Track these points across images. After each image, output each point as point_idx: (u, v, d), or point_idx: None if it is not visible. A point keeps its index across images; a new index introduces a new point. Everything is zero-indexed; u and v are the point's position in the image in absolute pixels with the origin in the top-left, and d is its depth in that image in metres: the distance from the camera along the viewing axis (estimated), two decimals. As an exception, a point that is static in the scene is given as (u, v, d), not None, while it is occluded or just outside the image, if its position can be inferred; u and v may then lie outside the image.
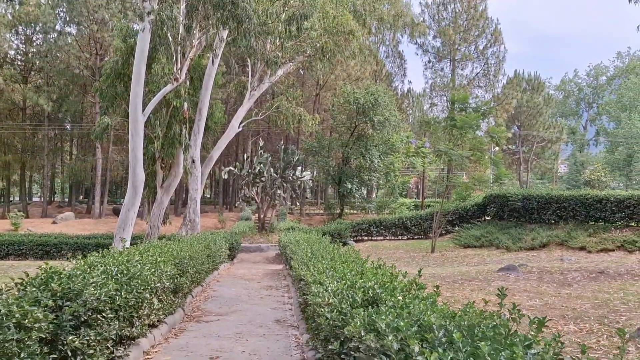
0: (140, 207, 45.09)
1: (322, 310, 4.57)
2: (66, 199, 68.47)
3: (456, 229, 26.50)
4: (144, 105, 17.54)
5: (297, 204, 35.85)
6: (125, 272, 5.03)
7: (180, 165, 23.01)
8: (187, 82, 21.97)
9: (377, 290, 4.44)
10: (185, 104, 22.26)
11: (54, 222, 39.87)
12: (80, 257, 5.69)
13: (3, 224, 38.31)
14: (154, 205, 23.51)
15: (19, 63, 48.84)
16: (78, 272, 4.26)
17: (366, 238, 28.97)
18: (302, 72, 47.53)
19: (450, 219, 27.13)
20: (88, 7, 40.92)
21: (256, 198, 31.29)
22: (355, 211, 42.63)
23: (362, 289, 4.56)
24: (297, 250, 10.00)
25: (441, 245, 23.47)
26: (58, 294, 3.72)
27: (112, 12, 40.98)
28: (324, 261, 6.96)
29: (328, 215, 41.60)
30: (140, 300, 5.11)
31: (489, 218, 26.59)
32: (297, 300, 9.12)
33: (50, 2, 43.63)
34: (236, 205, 53.58)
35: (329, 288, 4.92)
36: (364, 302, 4.36)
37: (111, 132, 42.11)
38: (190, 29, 17.06)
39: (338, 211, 40.26)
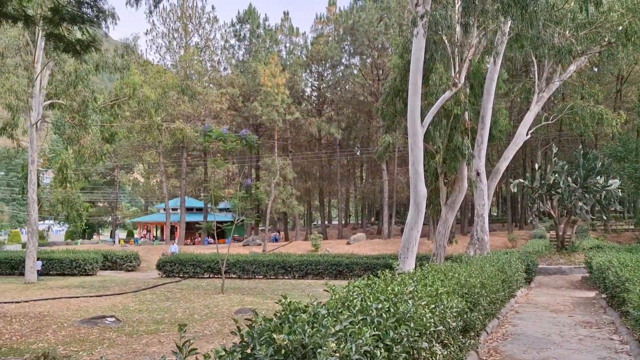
0: (426, 226, 44.75)
1: None
2: (360, 221, 72.77)
3: None
4: (422, 117, 16.51)
5: (604, 217, 30.66)
6: (392, 310, 3.66)
7: (465, 180, 21.41)
8: (467, 89, 20.38)
9: None
10: (466, 113, 20.69)
11: (348, 243, 42.15)
12: (347, 286, 4.62)
13: (305, 245, 42.08)
14: (439, 224, 22.33)
15: (314, 98, 53.94)
16: (323, 312, 3.03)
17: None
18: (596, 69, 41.59)
19: None
20: (369, 36, 42.81)
21: (552, 212, 27.62)
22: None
23: None
24: (634, 279, 7.37)
25: None
26: (283, 352, 2.50)
27: (390, 36, 42.09)
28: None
29: (641, 230, 35.07)
30: (415, 351, 3.66)
31: None
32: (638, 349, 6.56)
33: (336, 37, 47.08)
34: (527, 222, 49.28)
35: None
36: None
37: (395, 153, 43.00)
38: (468, 26, 15.48)
39: (656, 226, 33.55)
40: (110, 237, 66.46)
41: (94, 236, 72.80)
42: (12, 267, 29.17)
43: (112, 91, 28.99)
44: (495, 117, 22.14)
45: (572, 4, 18.24)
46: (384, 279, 5.35)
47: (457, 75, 15.95)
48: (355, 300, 3.74)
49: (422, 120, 16.32)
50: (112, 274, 30.78)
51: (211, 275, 27.03)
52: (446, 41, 16.13)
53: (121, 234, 70.54)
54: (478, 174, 20.66)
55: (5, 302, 17.10)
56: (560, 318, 10.52)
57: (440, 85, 18.46)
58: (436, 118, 19.71)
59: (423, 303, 4.28)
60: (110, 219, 72.30)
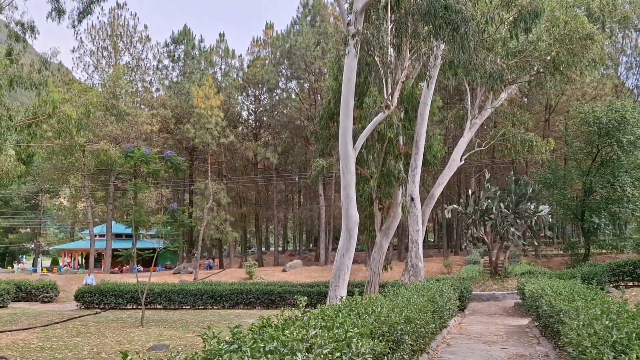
0: (363, 252, 44.27)
1: None
2: (297, 247, 71.86)
3: None
4: (355, 140, 15.95)
5: (535, 243, 31.15)
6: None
7: (399, 205, 20.99)
8: (402, 114, 20.11)
9: None
10: (401, 137, 20.38)
11: (283, 270, 41.04)
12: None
13: (240, 272, 40.63)
14: (373, 250, 21.75)
15: (250, 122, 53.05)
16: None
17: (631, 284, 23.26)
18: (525, 99, 42.99)
19: None
20: (305, 60, 42.55)
21: (485, 238, 27.72)
22: (604, 251, 36.15)
23: None
24: (569, 310, 6.81)
25: None
26: None
27: (327, 61, 42.05)
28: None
29: (570, 256, 35.92)
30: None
31: None
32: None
33: (273, 60, 46.61)
34: (462, 247, 49.90)
35: None
36: None
37: (332, 179, 42.61)
38: (400, 48, 15.16)
39: (582, 251, 34.38)
40: (33, 265, 62.57)
41: (14, 264, 68.29)
42: None
43: (29, 109, 27.04)
44: (429, 141, 21.96)
45: (503, 32, 18.35)
46: (282, 320, 4.52)
47: (390, 97, 15.53)
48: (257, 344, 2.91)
49: (354, 143, 15.77)
50: (25, 305, 28.35)
51: (134, 307, 25.30)
52: (379, 62, 15.73)
53: (45, 262, 66.55)
54: (412, 199, 20.29)
55: None
56: (494, 351, 9.96)
57: (373, 107, 18.05)
58: (370, 142, 19.26)
59: (325, 351, 3.48)
60: (32, 245, 68.15)
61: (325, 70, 42.61)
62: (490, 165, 45.01)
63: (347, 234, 15.04)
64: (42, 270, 53.78)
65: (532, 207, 25.29)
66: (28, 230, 69.92)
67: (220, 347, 3.29)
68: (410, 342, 6.19)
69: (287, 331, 3.80)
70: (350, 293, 20.39)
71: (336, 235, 54.67)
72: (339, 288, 14.66)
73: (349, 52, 13.92)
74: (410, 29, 14.71)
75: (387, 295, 8.48)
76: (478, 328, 13.77)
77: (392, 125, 17.40)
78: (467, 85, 25.08)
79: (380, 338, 5.02)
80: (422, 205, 22.06)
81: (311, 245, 75.35)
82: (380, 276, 21.34)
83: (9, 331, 17.52)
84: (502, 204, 25.89)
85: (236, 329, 3.72)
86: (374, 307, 6.05)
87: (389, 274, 25.89)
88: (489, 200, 26.31)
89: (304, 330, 3.88)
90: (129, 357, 3.13)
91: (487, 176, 28.65)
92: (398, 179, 18.48)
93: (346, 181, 15.04)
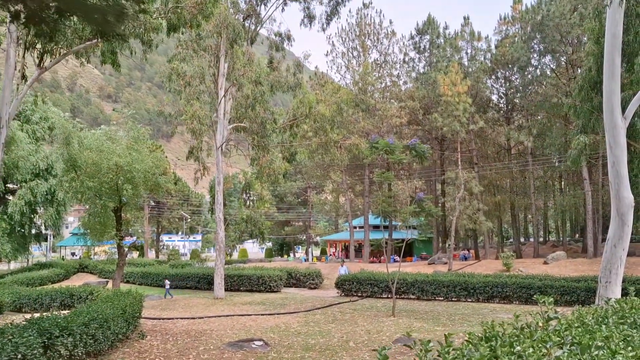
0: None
1: None
2: (561, 238, 65.84)
3: None
4: (625, 108, 13.37)
5: None
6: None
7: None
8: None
9: None
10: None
11: (545, 263, 37.70)
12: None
13: (496, 264, 38.57)
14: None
15: (501, 105, 50.08)
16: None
17: None
18: None
19: None
20: (560, 30, 38.34)
21: None
22: None
23: None
24: None
25: None
26: None
27: (585, 29, 37.23)
28: None
29: None
30: None
31: None
32: None
33: (522, 37, 43.17)
34: None
35: None
36: None
37: (599, 160, 37.63)
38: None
39: None
40: (305, 254, 69.23)
41: (291, 254, 76.49)
42: (209, 282, 31.01)
43: (289, 111, 29.59)
44: None
45: None
46: (513, 328, 3.47)
47: (670, 51, 12.60)
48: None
49: (624, 111, 13.23)
50: (295, 291, 31.17)
51: (389, 295, 25.61)
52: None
53: (316, 252, 73.14)
54: None
55: (180, 318, 17.73)
56: None
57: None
58: (645, 110, 16.14)
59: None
60: (304, 237, 75.41)
61: (585, 38, 37.76)
62: None
63: (618, 220, 12.70)
64: (312, 259, 58.96)
65: None
66: (300, 223, 77.60)
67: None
68: None
69: (519, 347, 2.85)
70: (627, 291, 17.46)
71: (606, 224, 48.03)
72: (610, 285, 12.46)
73: (611, 1, 11.66)
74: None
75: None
76: None
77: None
78: None
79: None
80: None
81: (576, 235, 68.33)
82: (668, 271, 17.79)
83: (277, 314, 19.20)
84: None
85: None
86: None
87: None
88: None
89: (543, 346, 2.86)
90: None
91: None
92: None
93: (615, 157, 12.70)
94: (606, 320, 4.03)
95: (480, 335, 3.10)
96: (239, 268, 35.34)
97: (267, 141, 27.90)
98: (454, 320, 16.87)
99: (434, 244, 51.78)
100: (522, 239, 62.97)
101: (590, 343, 3.00)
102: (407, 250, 55.46)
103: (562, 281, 22.57)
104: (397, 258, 47.16)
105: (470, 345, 3.04)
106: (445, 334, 2.89)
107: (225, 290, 27.44)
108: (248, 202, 31.52)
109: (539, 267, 35.79)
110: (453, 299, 24.18)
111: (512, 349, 2.89)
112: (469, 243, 61.60)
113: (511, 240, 66.05)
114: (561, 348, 3.09)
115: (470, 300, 23.69)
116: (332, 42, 49.85)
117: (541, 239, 64.90)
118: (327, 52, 54.29)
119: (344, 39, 49.10)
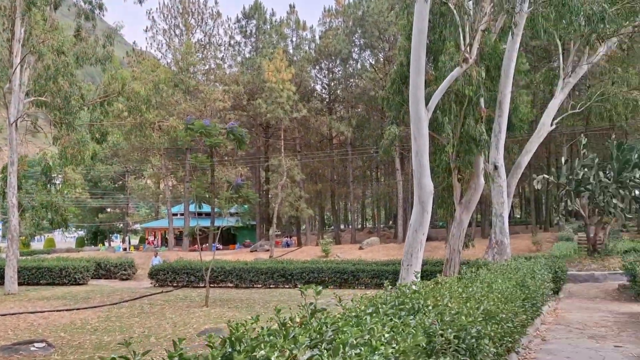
0: (443, 229, 41.95)
1: None
2: (376, 225, 70.30)
3: None
4: (429, 101, 14.06)
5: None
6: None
7: (481, 176, 18.88)
8: (483, 72, 17.79)
9: None
10: (482, 99, 18.15)
11: (360, 248, 39.72)
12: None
13: (316, 250, 39.64)
14: (452, 226, 19.82)
15: (324, 96, 51.59)
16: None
17: None
18: (626, 54, 38.45)
19: None
20: (379, 27, 40.37)
21: (581, 211, 24.84)
22: None
23: None
24: None
25: None
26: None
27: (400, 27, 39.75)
28: None
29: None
30: None
31: None
32: None
33: (345, 30, 44.74)
34: (553, 223, 46.26)
35: None
36: None
37: (410, 152, 40.47)
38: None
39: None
40: (122, 243, 65.06)
41: (106, 243, 71.42)
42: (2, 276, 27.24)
43: (99, 87, 26.99)
44: (515, 103, 19.49)
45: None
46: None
47: (468, 48, 13.48)
48: None
49: (427, 104, 13.90)
50: (104, 283, 28.75)
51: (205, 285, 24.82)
52: (454, 10, 13.66)
53: (134, 241, 69.13)
54: (496, 167, 18.03)
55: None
56: (606, 351, 7.83)
57: (449, 64, 15.94)
58: (446, 104, 17.23)
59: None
60: (121, 225, 70.85)
61: (399, 37, 40.28)
62: (585, 133, 41.02)
63: (420, 207, 13.32)
64: (129, 248, 55.53)
65: (638, 175, 22.17)
66: (117, 210, 72.72)
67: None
68: (492, 349, 4.36)
69: (263, 351, 2.36)
70: (428, 272, 18.64)
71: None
72: (412, 267, 13.03)
73: (418, -5, 12.02)
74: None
75: (462, 279, 6.65)
76: (579, 316, 11.62)
77: (471, 82, 15.23)
78: (558, 41, 22.15)
79: (444, 352, 3.34)
80: (507, 176, 19.71)
81: (390, 222, 73.48)
82: (460, 254, 19.41)
83: (76, 309, 17.25)
84: (601, 173, 22.93)
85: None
86: (437, 299, 4.28)
87: (470, 252, 23.77)
88: (586, 169, 23.40)
89: (295, 347, 2.41)
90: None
91: (584, 141, 25.48)
92: (479, 144, 16.37)
93: (418, 146, 13.29)
94: (379, 308, 3.77)
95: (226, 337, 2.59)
96: (40, 259, 31.66)
97: (72, 118, 25.12)
98: (268, 307, 16.54)
99: (257, 231, 51.80)
100: (342, 226, 65.92)
101: (347, 341, 2.64)
102: (230, 238, 54.86)
103: (373, 265, 23.64)
104: (219, 246, 46.34)
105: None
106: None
107: (21, 284, 24.30)
108: (50, 186, 28.21)
109: (355, 252, 37.53)
110: (271, 286, 24.07)
111: (254, 354, 2.42)
112: (292, 230, 62.92)
113: (332, 227, 68.87)
114: (314, 348, 2.67)
115: (288, 286, 23.73)
116: (153, 17, 46.92)
117: (359, 226, 68.63)
118: (147, 27, 51.03)
119: (165, 15, 46.55)
